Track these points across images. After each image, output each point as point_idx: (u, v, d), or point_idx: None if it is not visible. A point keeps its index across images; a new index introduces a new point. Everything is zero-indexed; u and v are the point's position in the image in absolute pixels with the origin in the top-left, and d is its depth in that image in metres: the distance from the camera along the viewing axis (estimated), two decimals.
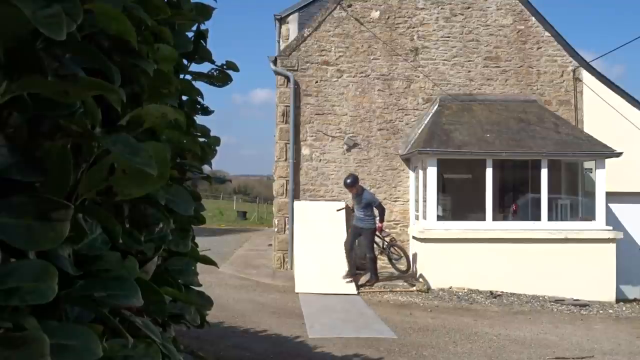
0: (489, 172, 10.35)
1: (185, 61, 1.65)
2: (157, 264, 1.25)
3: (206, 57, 1.70)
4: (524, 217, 11.16)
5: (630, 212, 11.66)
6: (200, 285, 1.58)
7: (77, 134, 0.92)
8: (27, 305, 0.77)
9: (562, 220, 11.07)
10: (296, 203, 11.39)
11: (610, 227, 10.32)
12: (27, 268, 0.77)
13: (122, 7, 0.99)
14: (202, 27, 1.68)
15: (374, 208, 9.81)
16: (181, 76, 1.62)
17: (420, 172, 10.97)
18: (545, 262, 9.85)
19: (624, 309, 9.46)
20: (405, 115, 11.83)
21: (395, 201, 11.75)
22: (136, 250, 1.17)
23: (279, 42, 14.36)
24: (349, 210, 11.08)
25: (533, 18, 11.99)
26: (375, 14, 11.86)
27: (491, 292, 9.63)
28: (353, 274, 9.79)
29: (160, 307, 1.11)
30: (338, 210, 11.05)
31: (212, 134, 1.82)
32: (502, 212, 11.73)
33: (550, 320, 8.18)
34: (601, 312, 9.03)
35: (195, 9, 1.54)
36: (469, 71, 11.95)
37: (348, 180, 10.01)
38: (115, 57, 1.03)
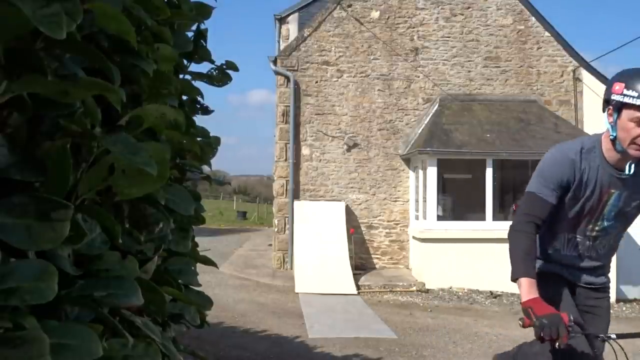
0: (489, 172, 10.35)
1: (185, 61, 1.65)
2: (157, 264, 1.25)
3: (206, 57, 1.70)
4: None
5: None
6: (200, 285, 1.58)
7: (77, 134, 0.92)
8: (27, 305, 0.77)
9: None
10: (296, 203, 11.38)
11: None
12: (27, 268, 0.77)
13: (122, 7, 0.99)
14: (202, 26, 1.68)
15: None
16: (181, 76, 1.62)
17: (420, 172, 10.97)
18: None
19: (624, 309, 9.45)
20: (405, 115, 11.83)
21: (395, 201, 11.75)
22: (136, 250, 1.16)
23: (279, 42, 14.35)
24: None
25: (533, 18, 11.99)
26: (375, 14, 11.86)
27: (491, 292, 9.62)
28: None
29: (160, 306, 1.11)
30: None
31: (211, 134, 1.82)
32: (502, 212, 11.71)
33: None
34: None
35: (195, 9, 1.54)
36: (469, 71, 11.95)
37: None
38: (115, 57, 1.03)
